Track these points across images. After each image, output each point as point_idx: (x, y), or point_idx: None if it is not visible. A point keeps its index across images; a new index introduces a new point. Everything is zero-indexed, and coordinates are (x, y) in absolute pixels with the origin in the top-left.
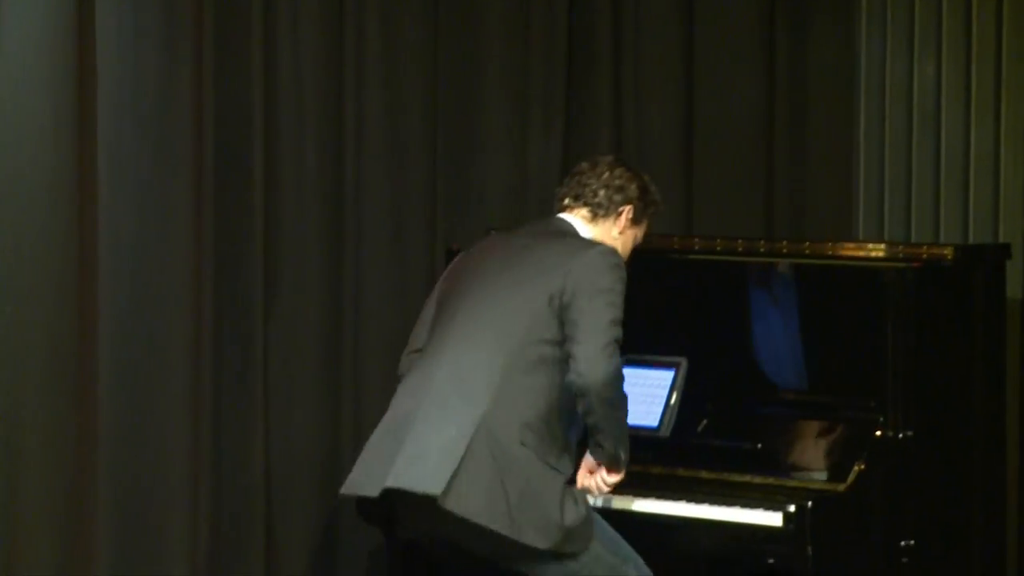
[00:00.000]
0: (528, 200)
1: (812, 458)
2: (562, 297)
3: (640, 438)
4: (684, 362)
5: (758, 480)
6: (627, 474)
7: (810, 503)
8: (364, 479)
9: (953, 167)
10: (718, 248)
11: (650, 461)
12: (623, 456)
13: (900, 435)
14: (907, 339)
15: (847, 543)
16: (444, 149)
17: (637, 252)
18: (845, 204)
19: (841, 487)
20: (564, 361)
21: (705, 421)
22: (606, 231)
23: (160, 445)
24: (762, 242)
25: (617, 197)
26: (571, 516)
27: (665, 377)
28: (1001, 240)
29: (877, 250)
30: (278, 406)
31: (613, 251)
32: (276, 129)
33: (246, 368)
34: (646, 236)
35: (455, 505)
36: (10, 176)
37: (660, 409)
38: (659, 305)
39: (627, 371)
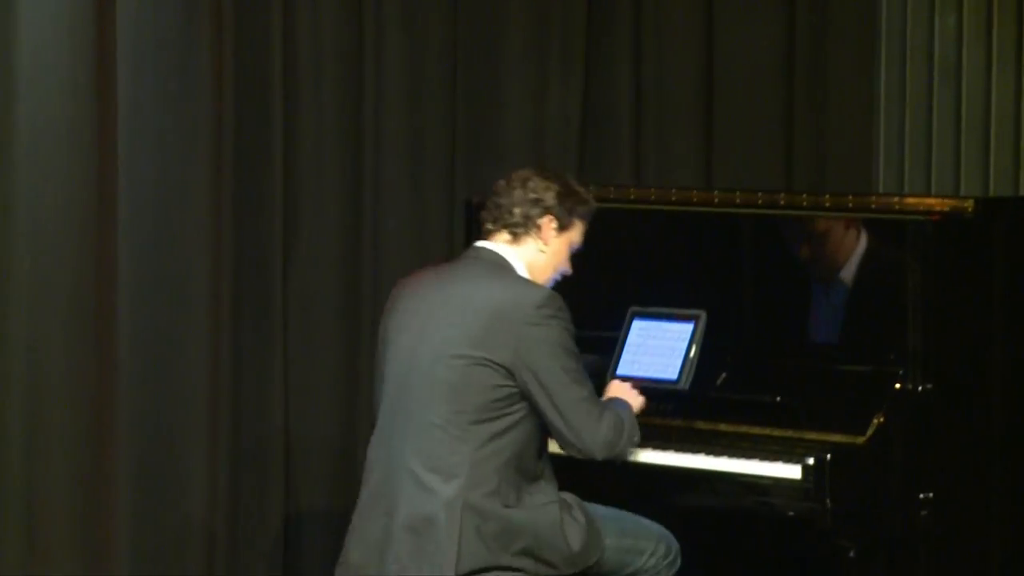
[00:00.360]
0: (546, 148)
1: (831, 411)
2: (514, 374)
3: (659, 391)
4: (703, 315)
5: (777, 433)
6: (646, 427)
7: (829, 456)
8: (364, 561)
9: (974, 119)
10: (737, 201)
11: (669, 414)
12: (636, 439)
13: (920, 388)
14: (927, 292)
15: (866, 496)
16: (463, 97)
17: (656, 204)
18: (865, 156)
19: (860, 440)
20: (522, 416)
21: (724, 374)
22: (532, 249)
23: (179, 393)
24: (782, 194)
25: (533, 211)
26: (576, 538)
27: (684, 330)
28: (1022, 193)
29: (897, 203)
30: (297, 355)
31: (547, 299)
32: (295, 79)
33: (265, 316)
34: (667, 189)
35: None
36: (32, 129)
37: (679, 362)
38: (678, 258)
39: (647, 324)
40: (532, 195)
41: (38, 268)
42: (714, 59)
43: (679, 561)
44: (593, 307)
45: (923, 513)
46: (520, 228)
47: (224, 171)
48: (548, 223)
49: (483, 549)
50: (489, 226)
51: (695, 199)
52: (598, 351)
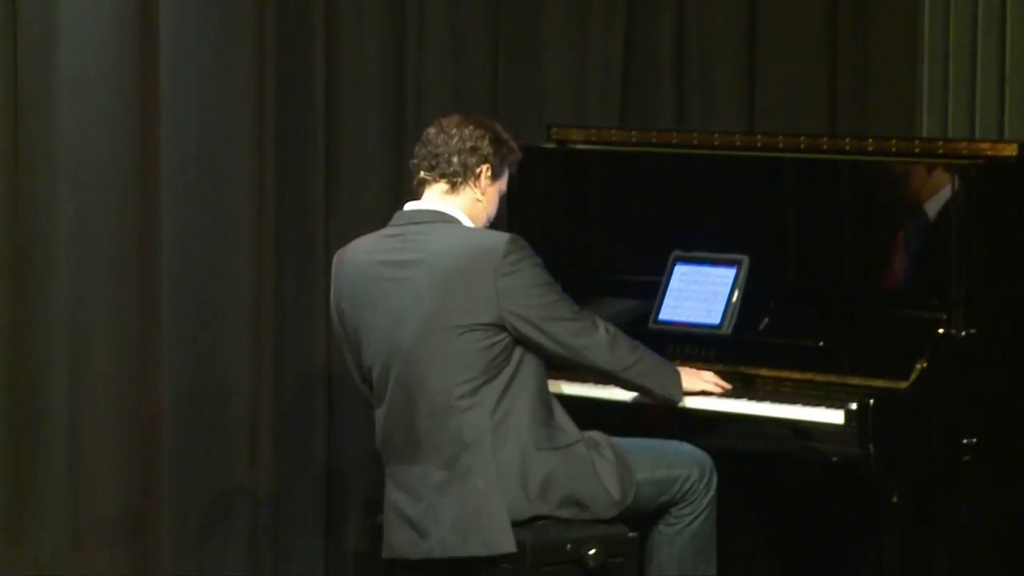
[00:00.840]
0: (589, 96)
1: (874, 356)
2: (504, 326)
3: (702, 336)
4: (746, 259)
5: (820, 378)
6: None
7: (872, 401)
8: (410, 547)
9: (1018, 63)
10: (780, 145)
11: (712, 359)
12: (675, 392)
13: (963, 333)
14: (971, 236)
15: (909, 441)
16: (505, 45)
17: (699, 149)
18: (909, 100)
19: (903, 385)
20: (520, 357)
21: (767, 319)
22: (470, 198)
23: (223, 336)
24: (825, 139)
25: (471, 160)
26: (610, 479)
27: (727, 275)
28: None
29: (941, 146)
30: None
31: (509, 244)
32: (336, 27)
33: (308, 260)
34: (709, 133)
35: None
36: (74, 78)
37: (722, 307)
38: (721, 203)
39: (690, 268)
40: (469, 143)
41: (82, 215)
42: (757, 2)
43: (715, 478)
44: (636, 252)
45: (966, 458)
46: (458, 177)
47: (266, 116)
48: (485, 172)
49: (525, 503)
50: (424, 175)
51: (738, 143)
52: (640, 296)
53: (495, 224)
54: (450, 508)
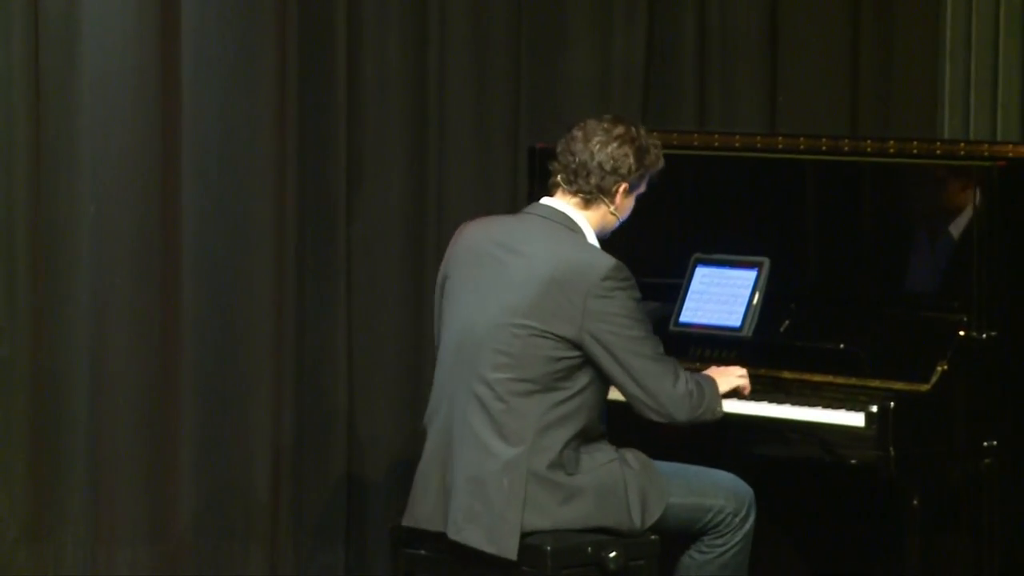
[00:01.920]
0: (611, 94)
1: (895, 358)
2: (580, 345)
3: (722, 338)
4: (767, 262)
5: (841, 380)
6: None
7: (893, 404)
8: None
9: None
10: (801, 146)
11: (732, 361)
12: (720, 410)
13: (984, 335)
14: (992, 238)
15: (930, 444)
16: (528, 41)
17: (720, 150)
18: (930, 102)
19: (924, 388)
20: (586, 382)
21: (788, 321)
22: (601, 212)
23: (243, 339)
24: (846, 140)
25: (610, 179)
26: (637, 498)
27: (748, 277)
28: None
29: (963, 148)
30: (361, 302)
31: (612, 270)
32: (359, 23)
33: (329, 263)
34: (730, 135)
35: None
36: (97, 78)
37: (743, 309)
38: (742, 204)
39: (710, 271)
40: (611, 163)
41: (103, 213)
42: (779, 2)
43: (753, 513)
44: (656, 254)
45: (987, 461)
46: (592, 195)
47: (288, 116)
48: (622, 189)
49: (545, 513)
50: (561, 182)
51: (759, 144)
52: (661, 298)
53: None
54: (473, 496)
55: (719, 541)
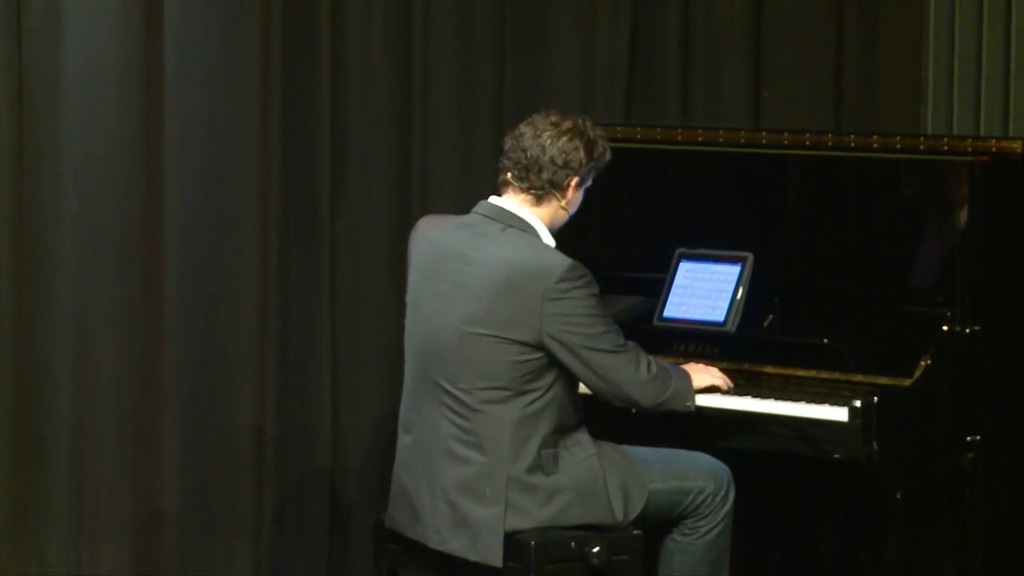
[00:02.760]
0: (594, 89)
1: (878, 353)
2: (542, 347)
3: (706, 333)
4: (751, 257)
5: (824, 375)
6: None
7: (876, 398)
8: (408, 524)
9: (1023, 60)
10: (785, 142)
11: (716, 356)
12: (691, 404)
13: (967, 330)
14: (975, 233)
15: (913, 438)
16: (511, 36)
17: (703, 145)
18: (914, 97)
19: (907, 382)
20: (554, 379)
21: (771, 316)
22: (553, 207)
23: (228, 329)
24: (830, 135)
25: (561, 174)
26: (618, 492)
27: (732, 272)
28: None
29: (946, 143)
30: (344, 297)
31: (567, 271)
32: (342, 23)
33: (313, 260)
34: (714, 130)
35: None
36: (80, 75)
37: (726, 304)
38: (726, 199)
39: (694, 266)
40: (562, 157)
41: (86, 210)
42: None
43: (732, 493)
44: (640, 249)
45: (970, 456)
46: (544, 191)
47: (272, 111)
48: (573, 183)
49: (528, 515)
50: (512, 179)
51: (743, 139)
52: (645, 293)
53: None
54: (453, 507)
55: (701, 523)
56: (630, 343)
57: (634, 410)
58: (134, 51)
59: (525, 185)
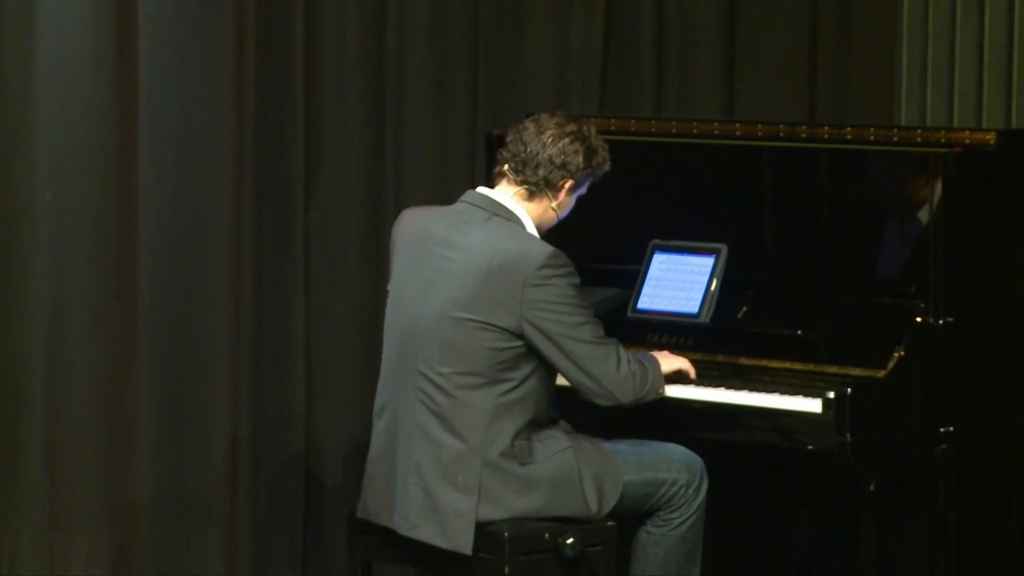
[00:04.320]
0: (569, 81)
1: (852, 345)
2: (521, 335)
3: (680, 325)
4: (725, 248)
5: (798, 367)
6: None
7: (849, 390)
8: (379, 511)
9: (997, 50)
10: (759, 133)
11: (689, 348)
12: (662, 390)
13: (940, 321)
14: (948, 224)
15: (886, 430)
16: (486, 27)
17: (677, 137)
18: (887, 89)
19: (881, 374)
20: (532, 370)
21: (745, 308)
22: (543, 206)
23: (201, 325)
24: (804, 127)
25: (557, 174)
26: (593, 485)
27: (705, 264)
28: None
29: (919, 135)
30: (318, 289)
31: (548, 258)
32: (317, 9)
33: (287, 248)
34: (688, 122)
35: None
36: (53, 66)
37: (700, 296)
38: (700, 191)
39: (668, 257)
40: (562, 157)
41: (60, 200)
42: None
43: (705, 484)
44: (614, 240)
45: (943, 447)
46: (538, 189)
47: (246, 103)
48: (567, 186)
49: (501, 504)
50: (507, 171)
51: (717, 131)
52: (619, 285)
53: None
54: (425, 493)
55: (676, 514)
56: (611, 339)
57: (610, 404)
58: (107, 42)
59: (520, 178)
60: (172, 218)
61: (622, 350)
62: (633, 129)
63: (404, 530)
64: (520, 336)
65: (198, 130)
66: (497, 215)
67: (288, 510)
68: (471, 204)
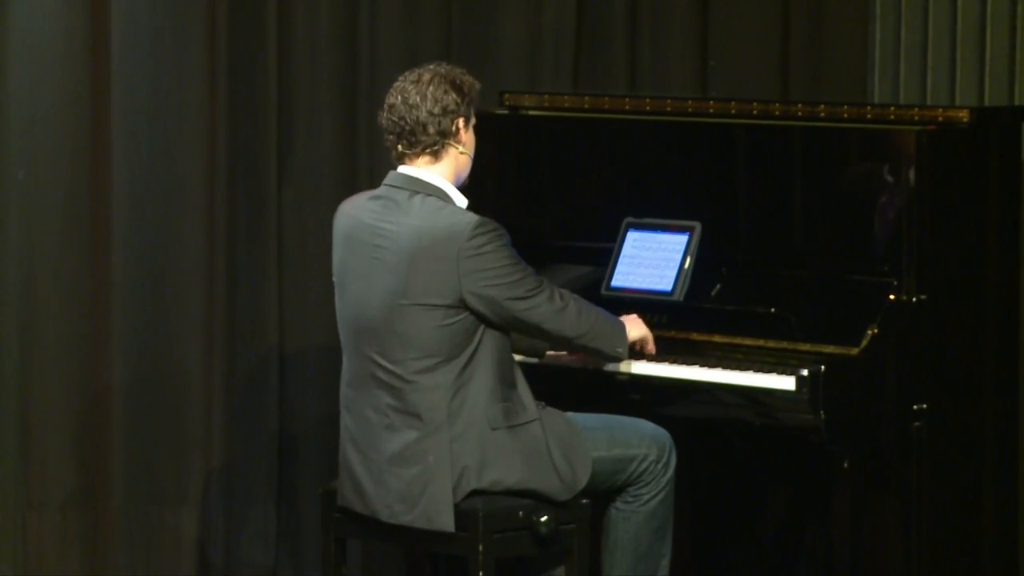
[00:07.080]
0: (542, 61)
1: (825, 322)
2: (465, 305)
3: (654, 302)
4: (698, 226)
5: (771, 344)
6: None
7: (823, 367)
8: (356, 499)
9: (970, 28)
10: (733, 111)
11: (664, 325)
12: (621, 349)
13: (914, 299)
14: (922, 202)
15: (860, 407)
16: (458, 9)
17: (651, 115)
18: (860, 66)
19: (854, 351)
20: (482, 336)
21: (719, 285)
22: (452, 156)
23: (174, 305)
24: (777, 104)
25: (445, 122)
26: (563, 461)
27: (679, 241)
28: (1017, 103)
29: (892, 112)
30: (291, 265)
31: (476, 226)
32: None
33: (260, 228)
34: (662, 99)
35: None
36: (25, 40)
37: (674, 273)
38: (673, 169)
39: (642, 235)
40: (438, 106)
41: (31, 180)
42: None
43: (674, 459)
44: (588, 218)
45: (916, 424)
46: (438, 144)
47: (219, 79)
48: (460, 124)
49: (475, 481)
50: (404, 149)
51: (690, 109)
52: (593, 263)
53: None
54: (399, 479)
55: (645, 490)
56: (544, 280)
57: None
58: (79, 18)
59: (419, 149)
60: (145, 195)
61: (555, 288)
62: (607, 107)
63: (386, 518)
64: (465, 307)
65: (171, 107)
66: (417, 192)
67: (262, 488)
68: (393, 186)
